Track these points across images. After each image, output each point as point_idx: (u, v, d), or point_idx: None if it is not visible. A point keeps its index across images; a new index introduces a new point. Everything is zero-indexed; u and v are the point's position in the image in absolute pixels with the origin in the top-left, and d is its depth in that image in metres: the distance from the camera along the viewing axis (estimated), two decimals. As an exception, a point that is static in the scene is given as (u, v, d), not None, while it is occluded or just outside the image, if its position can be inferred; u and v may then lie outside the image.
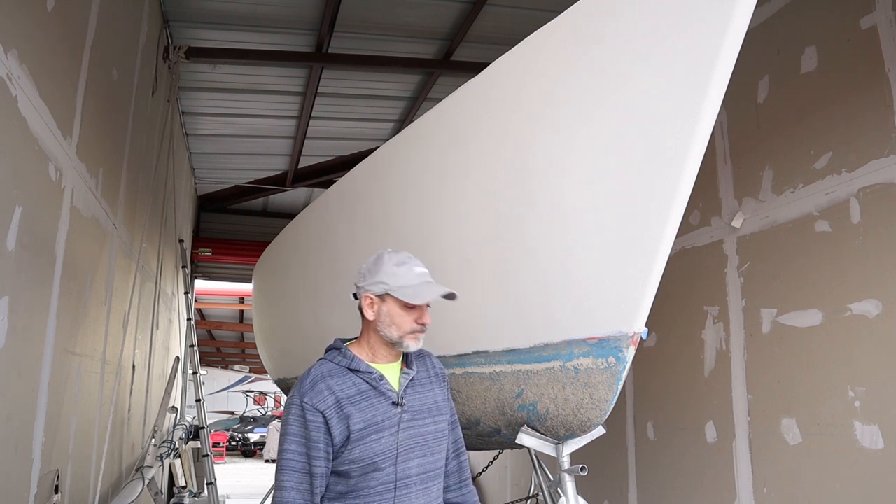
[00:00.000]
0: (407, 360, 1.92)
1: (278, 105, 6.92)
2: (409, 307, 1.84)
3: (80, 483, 3.55)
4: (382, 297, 1.84)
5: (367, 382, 1.81)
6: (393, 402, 1.81)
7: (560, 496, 2.37)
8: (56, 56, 2.74)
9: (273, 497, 1.74)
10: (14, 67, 2.24)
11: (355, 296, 1.91)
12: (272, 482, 6.25)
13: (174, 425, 7.08)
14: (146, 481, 4.44)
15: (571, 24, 2.21)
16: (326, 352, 1.91)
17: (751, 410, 4.02)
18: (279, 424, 19.08)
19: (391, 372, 1.88)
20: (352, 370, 1.83)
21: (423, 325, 1.86)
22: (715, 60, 1.74)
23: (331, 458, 1.75)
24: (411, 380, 1.89)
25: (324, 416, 1.73)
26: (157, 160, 5.29)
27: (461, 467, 2.03)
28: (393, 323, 1.84)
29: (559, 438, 2.39)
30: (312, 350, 5.07)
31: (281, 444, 1.76)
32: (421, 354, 1.97)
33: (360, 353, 1.88)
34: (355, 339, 1.94)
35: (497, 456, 4.46)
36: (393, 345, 1.87)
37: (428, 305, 1.87)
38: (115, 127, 3.95)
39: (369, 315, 1.85)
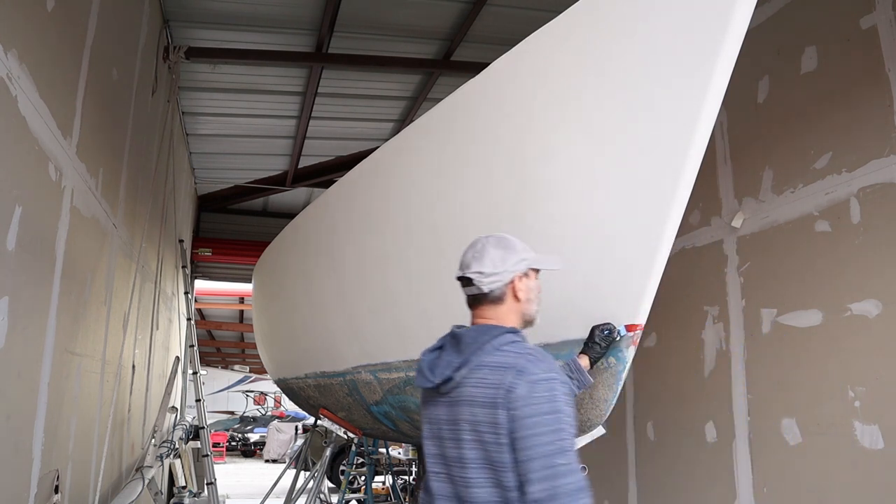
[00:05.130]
0: None
1: (278, 105, 6.92)
2: (536, 279, 1.83)
3: (80, 483, 3.55)
4: (527, 273, 1.80)
5: None
6: None
7: (560, 496, 2.37)
8: (56, 56, 2.74)
9: (567, 482, 1.51)
10: (14, 67, 2.24)
11: (482, 288, 1.75)
12: (272, 482, 6.15)
13: (174, 425, 7.07)
14: (146, 481, 4.44)
15: (571, 25, 2.21)
16: (499, 335, 1.70)
17: (751, 410, 4.01)
18: (279, 424, 19.15)
19: None
20: None
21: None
22: (715, 60, 1.74)
23: None
24: None
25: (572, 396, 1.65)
26: (157, 160, 5.29)
27: None
28: (536, 297, 1.82)
29: (559, 438, 2.39)
30: (312, 350, 5.09)
31: (555, 423, 1.54)
32: None
33: None
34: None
35: (497, 456, 4.45)
36: (528, 323, 1.82)
37: None
38: (115, 127, 3.95)
39: (522, 295, 1.78)
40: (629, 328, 2.07)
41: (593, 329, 2.12)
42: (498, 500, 1.58)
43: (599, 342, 2.09)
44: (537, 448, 1.53)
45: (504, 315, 1.77)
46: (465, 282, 1.80)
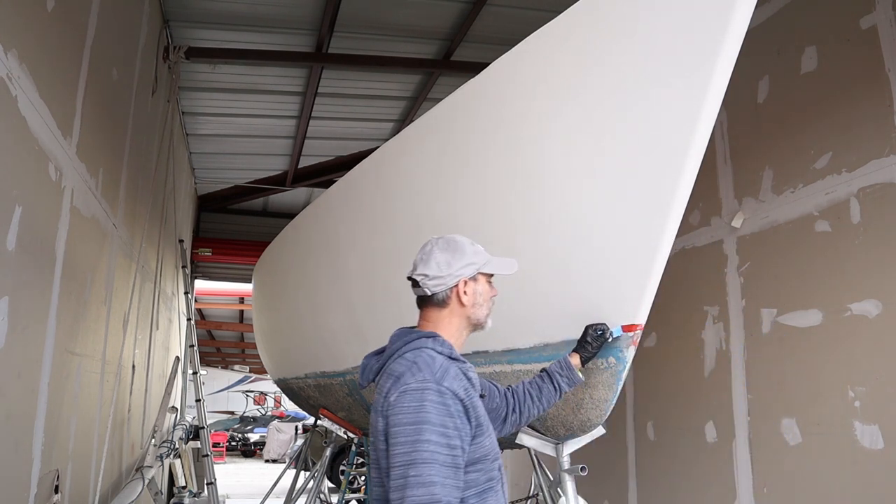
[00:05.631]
0: None
1: (278, 105, 6.92)
2: (488, 282, 1.84)
3: (80, 483, 3.55)
4: (475, 277, 1.80)
5: (464, 373, 1.72)
6: (480, 395, 1.78)
7: (560, 496, 2.37)
8: (56, 56, 2.74)
9: (413, 494, 1.48)
10: (14, 67, 2.24)
11: (428, 290, 1.78)
12: (272, 482, 6.12)
13: (174, 425, 7.07)
14: (146, 481, 4.44)
15: (571, 25, 2.21)
16: (412, 340, 1.73)
17: (751, 410, 4.01)
18: (279, 424, 19.14)
19: None
20: (452, 359, 1.71)
21: (494, 298, 1.86)
22: (715, 60, 1.74)
23: (467, 451, 1.60)
24: None
25: (463, 405, 1.61)
26: (157, 160, 5.29)
27: (499, 388, 2.06)
28: (484, 302, 1.82)
29: (559, 438, 2.40)
30: (312, 350, 5.09)
31: (415, 434, 1.53)
32: None
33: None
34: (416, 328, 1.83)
35: (497, 456, 4.45)
36: (476, 327, 1.84)
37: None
38: (115, 127, 3.95)
39: (466, 300, 1.78)
40: (627, 328, 2.07)
41: (587, 328, 2.12)
42: (384, 500, 1.61)
43: (591, 342, 2.09)
44: (396, 457, 1.54)
45: (447, 318, 1.79)
46: (413, 283, 1.81)
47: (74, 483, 3.41)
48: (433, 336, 1.74)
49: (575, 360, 2.11)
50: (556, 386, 2.07)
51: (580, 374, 2.10)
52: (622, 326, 2.08)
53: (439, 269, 1.77)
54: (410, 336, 1.75)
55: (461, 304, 1.79)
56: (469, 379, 1.72)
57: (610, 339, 2.09)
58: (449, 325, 1.79)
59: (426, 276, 1.77)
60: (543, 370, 2.12)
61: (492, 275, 1.86)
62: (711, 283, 4.40)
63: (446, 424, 1.55)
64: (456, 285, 1.78)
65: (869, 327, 3.30)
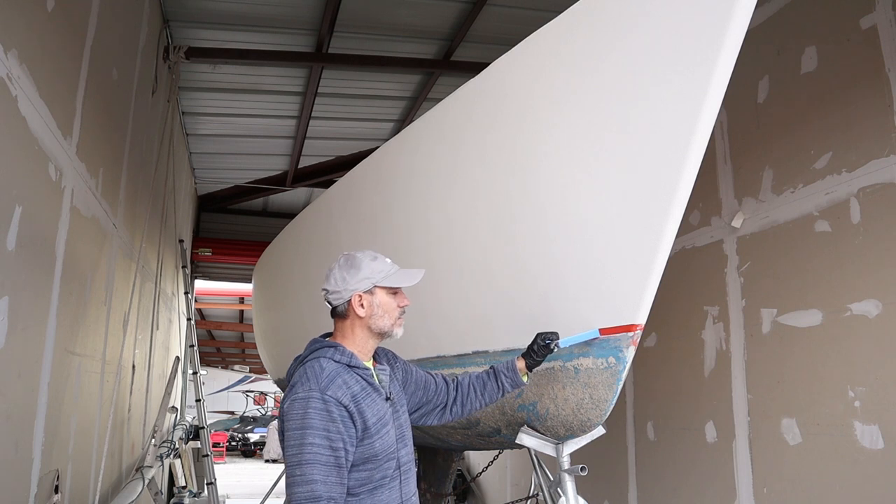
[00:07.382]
0: (376, 356, 2.04)
1: (278, 105, 6.92)
2: (392, 294, 1.97)
3: (80, 483, 3.55)
4: (371, 291, 1.94)
5: (365, 379, 1.88)
6: (385, 398, 1.92)
7: (560, 496, 2.37)
8: (56, 56, 2.74)
9: (297, 491, 1.68)
10: (14, 67, 2.24)
11: (330, 303, 1.97)
12: (272, 482, 6.14)
13: (174, 425, 7.08)
14: (146, 481, 4.44)
15: (571, 25, 2.21)
16: (316, 349, 1.92)
17: (751, 410, 4.01)
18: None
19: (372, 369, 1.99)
20: (351, 367, 1.87)
21: (405, 308, 2.00)
22: (715, 60, 1.74)
23: (352, 452, 1.77)
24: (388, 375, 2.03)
25: (347, 410, 1.77)
26: (157, 160, 5.29)
27: (445, 380, 2.21)
28: (385, 312, 1.95)
29: (559, 438, 2.40)
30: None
31: (300, 438, 1.72)
32: (381, 351, 2.09)
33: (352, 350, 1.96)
34: (329, 337, 1.99)
35: (497, 456, 4.46)
36: (382, 335, 1.97)
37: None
38: (115, 127, 3.95)
39: (362, 312, 1.92)
40: (605, 331, 2.08)
41: (536, 336, 2.17)
42: None
43: (537, 350, 2.15)
44: (288, 458, 1.73)
45: (349, 328, 1.95)
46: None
47: (74, 483, 3.41)
48: (335, 346, 1.91)
49: (521, 364, 2.20)
50: (500, 385, 2.19)
51: (524, 378, 2.20)
52: (599, 329, 2.08)
53: (336, 284, 1.94)
54: (316, 345, 1.93)
55: (358, 315, 1.93)
56: (371, 384, 1.88)
57: (555, 350, 2.13)
58: (352, 335, 1.94)
59: (327, 291, 1.96)
60: (492, 367, 2.23)
61: (397, 288, 1.99)
62: (711, 283, 4.40)
63: (329, 429, 1.73)
64: (351, 299, 1.92)
65: (869, 327, 3.30)
